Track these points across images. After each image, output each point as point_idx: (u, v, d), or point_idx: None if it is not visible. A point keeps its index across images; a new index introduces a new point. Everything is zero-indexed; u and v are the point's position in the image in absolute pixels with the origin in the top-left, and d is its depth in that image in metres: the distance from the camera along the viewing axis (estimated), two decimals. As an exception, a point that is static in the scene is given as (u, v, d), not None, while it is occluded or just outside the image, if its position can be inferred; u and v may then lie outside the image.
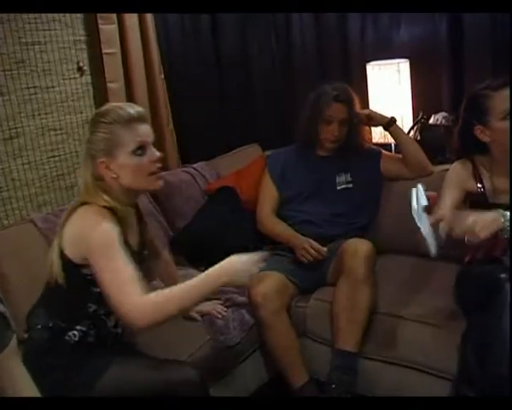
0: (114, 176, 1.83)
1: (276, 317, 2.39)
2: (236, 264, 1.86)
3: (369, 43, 3.26)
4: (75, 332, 1.84)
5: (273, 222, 2.78)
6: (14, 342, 1.39)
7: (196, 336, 2.24)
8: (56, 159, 2.84)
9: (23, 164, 2.70)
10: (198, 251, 2.70)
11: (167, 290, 1.73)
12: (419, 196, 1.92)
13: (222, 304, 2.38)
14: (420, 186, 1.94)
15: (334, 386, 2.32)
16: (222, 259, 2.66)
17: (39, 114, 2.76)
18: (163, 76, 3.24)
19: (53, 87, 2.81)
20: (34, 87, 2.74)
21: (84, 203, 1.80)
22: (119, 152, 1.81)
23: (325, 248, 2.55)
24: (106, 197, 1.80)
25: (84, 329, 1.84)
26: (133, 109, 1.84)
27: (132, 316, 1.66)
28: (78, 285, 1.81)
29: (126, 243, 1.83)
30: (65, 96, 2.86)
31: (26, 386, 1.41)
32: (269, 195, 2.84)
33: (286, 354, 2.42)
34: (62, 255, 1.79)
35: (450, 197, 2.18)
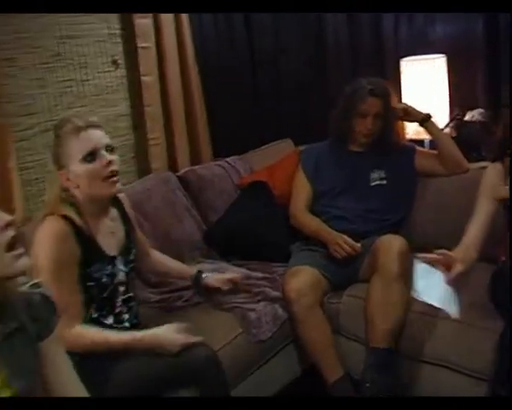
0: (75, 186, 1.87)
1: (310, 312, 2.38)
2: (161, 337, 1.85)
3: (403, 38, 3.23)
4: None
5: (306, 217, 2.77)
6: (58, 328, 1.41)
7: (229, 328, 2.25)
8: (90, 151, 2.86)
9: (59, 156, 2.72)
10: (230, 245, 2.71)
11: (101, 334, 1.83)
12: (425, 274, 1.89)
13: (253, 297, 2.39)
14: (420, 265, 1.91)
15: (368, 385, 2.29)
16: (253, 253, 2.73)
17: (75, 107, 2.78)
18: (197, 70, 3.24)
19: (88, 80, 2.83)
20: (70, 80, 2.76)
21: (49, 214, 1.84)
22: (71, 162, 1.86)
23: (359, 244, 2.53)
24: (66, 207, 1.85)
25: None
26: (81, 120, 1.88)
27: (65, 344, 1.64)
28: None
29: (98, 251, 1.88)
30: (100, 89, 2.88)
31: (67, 373, 1.41)
32: (302, 189, 2.83)
33: (320, 348, 2.40)
34: None
35: (479, 217, 2.14)
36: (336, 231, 2.61)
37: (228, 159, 3.18)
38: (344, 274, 2.57)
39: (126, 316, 1.99)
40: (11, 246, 1.13)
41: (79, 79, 2.79)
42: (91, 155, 1.84)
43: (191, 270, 2.34)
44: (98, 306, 1.90)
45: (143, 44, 2.95)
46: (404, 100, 3.05)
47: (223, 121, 3.44)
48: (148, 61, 2.96)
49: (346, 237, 2.54)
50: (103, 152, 1.87)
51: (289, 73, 3.70)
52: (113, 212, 2.03)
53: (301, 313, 2.36)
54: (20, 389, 1.28)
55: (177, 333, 1.84)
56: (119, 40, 2.97)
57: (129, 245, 2.04)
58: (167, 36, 3.04)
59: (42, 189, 2.66)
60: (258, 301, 2.37)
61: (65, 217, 1.82)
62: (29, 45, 2.60)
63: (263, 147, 3.42)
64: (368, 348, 2.35)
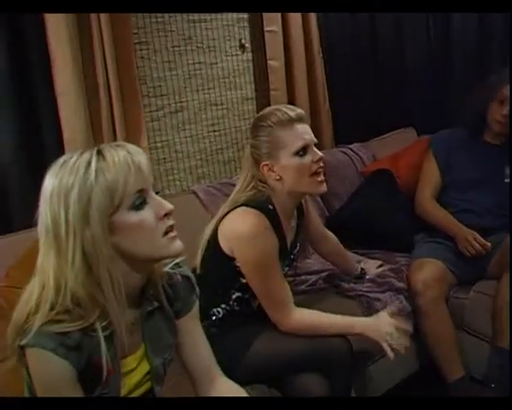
0: (278, 178, 1.84)
1: (435, 306, 2.29)
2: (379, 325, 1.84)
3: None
4: (219, 309, 1.89)
5: (434, 207, 2.66)
6: (196, 307, 1.44)
7: (352, 315, 2.18)
8: (216, 133, 2.91)
9: (186, 137, 2.79)
10: (352, 233, 2.66)
11: (316, 315, 1.85)
12: None
13: (379, 287, 2.34)
14: None
15: (493, 386, 2.20)
16: (375, 242, 2.67)
17: (203, 89, 2.83)
18: (321, 56, 3.20)
19: (216, 63, 2.87)
20: (199, 63, 2.81)
21: (242, 205, 1.82)
22: (281, 154, 1.82)
23: (489, 244, 2.41)
24: (260, 199, 1.83)
25: (228, 308, 1.89)
26: (292, 111, 1.84)
27: (284, 329, 1.82)
28: (226, 274, 1.85)
29: (284, 245, 1.88)
30: (227, 72, 2.91)
31: (204, 348, 1.45)
32: (431, 178, 2.71)
33: (442, 344, 2.31)
34: (215, 241, 1.83)
35: None
36: (463, 225, 2.50)
37: (351, 146, 3.14)
38: (471, 270, 2.46)
39: None
40: (167, 230, 1.18)
41: (208, 62, 2.84)
42: (304, 150, 1.83)
43: (355, 265, 2.41)
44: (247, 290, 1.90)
45: (270, 28, 2.94)
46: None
47: (344, 107, 3.38)
48: (274, 46, 2.96)
49: (476, 234, 2.43)
50: (314, 148, 1.87)
51: (412, 61, 3.61)
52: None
53: (427, 306, 2.28)
54: (157, 362, 1.32)
55: (388, 323, 1.82)
56: (246, 24, 2.98)
57: (296, 242, 2.04)
58: (294, 21, 3.01)
59: (169, 168, 2.75)
60: (384, 290, 2.31)
61: (260, 209, 1.80)
62: (163, 29, 2.67)
63: (385, 135, 3.36)
64: (493, 348, 2.26)
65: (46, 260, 1.12)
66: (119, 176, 1.11)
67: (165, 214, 1.17)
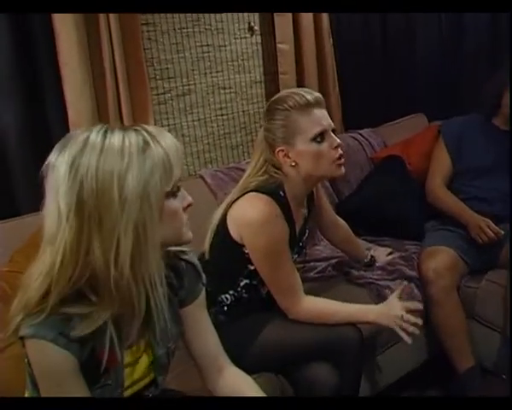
0: (293, 164, 1.79)
1: (447, 295, 2.26)
2: (390, 311, 1.80)
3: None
4: (227, 296, 1.85)
5: (445, 194, 2.62)
6: (202, 296, 1.40)
7: (362, 303, 2.15)
8: (224, 117, 2.86)
9: (193, 121, 2.75)
10: (362, 220, 2.62)
11: (326, 303, 1.83)
12: None
13: (389, 275, 2.30)
14: None
15: (504, 376, 2.18)
16: (385, 229, 2.63)
17: (210, 72, 2.78)
18: (331, 41, 3.14)
19: (225, 46, 2.81)
20: (207, 45, 2.76)
21: (252, 191, 1.77)
22: (297, 139, 1.77)
23: (502, 231, 2.37)
24: (271, 185, 1.78)
25: (236, 295, 1.85)
26: (310, 95, 1.78)
27: (294, 316, 1.79)
28: (234, 260, 1.82)
29: (293, 233, 1.84)
30: (235, 55, 2.86)
31: (211, 336, 1.42)
32: (442, 164, 2.68)
33: (453, 334, 2.28)
34: (224, 227, 1.79)
35: None
36: (475, 212, 2.47)
37: (361, 131, 3.10)
38: (483, 258, 2.43)
39: None
40: (186, 221, 1.21)
41: (216, 44, 2.78)
42: (321, 136, 1.78)
43: (365, 252, 2.38)
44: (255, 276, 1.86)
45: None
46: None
47: (353, 93, 3.33)
48: (284, 29, 2.89)
49: (489, 221, 2.39)
50: (332, 134, 1.81)
51: (422, 47, 3.56)
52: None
53: (438, 295, 2.25)
54: (161, 351, 1.30)
55: (399, 307, 1.78)
56: (255, 6, 2.92)
57: (304, 230, 2.00)
58: (303, 4, 2.96)
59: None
60: (394, 278, 2.27)
61: (271, 195, 1.76)
62: (170, 10, 2.62)
63: (396, 121, 3.32)
64: (504, 338, 2.23)
65: (70, 239, 1.05)
66: (175, 160, 1.11)
67: (188, 206, 1.18)
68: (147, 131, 1.10)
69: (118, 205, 1.04)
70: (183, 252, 1.34)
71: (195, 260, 1.39)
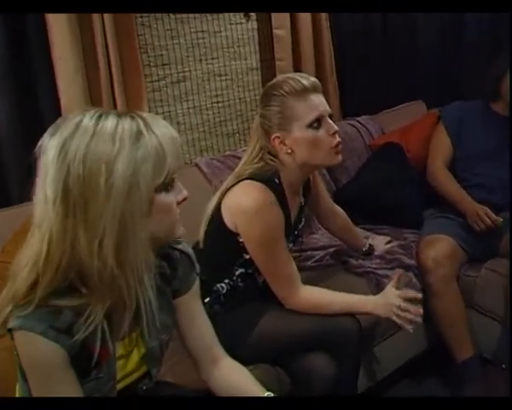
0: (289, 151, 1.76)
1: (446, 284, 2.23)
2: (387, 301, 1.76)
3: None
4: (223, 285, 1.82)
5: (447, 177, 2.58)
6: (196, 286, 1.38)
7: (360, 293, 2.12)
8: (220, 104, 2.82)
9: (188, 108, 2.71)
10: (360, 208, 2.60)
11: (324, 293, 1.80)
12: None
13: (387, 263, 2.28)
14: None
15: (504, 367, 2.17)
16: (384, 217, 2.60)
17: (206, 59, 2.74)
18: (329, 25, 3.09)
19: (220, 32, 2.77)
20: (202, 31, 2.71)
21: (247, 178, 1.73)
22: (293, 126, 1.73)
23: (501, 219, 2.34)
24: (266, 173, 1.74)
25: (231, 283, 1.82)
26: (306, 80, 1.74)
27: (291, 307, 1.76)
28: (229, 249, 1.79)
29: (289, 221, 1.80)
30: (231, 41, 2.81)
31: (205, 326, 1.40)
32: (443, 148, 2.64)
33: (452, 323, 2.26)
34: (219, 215, 1.76)
35: None
36: (474, 200, 2.44)
37: (359, 118, 3.06)
38: (482, 247, 2.40)
39: None
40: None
41: (211, 30, 2.73)
42: (318, 122, 1.74)
43: (363, 241, 2.35)
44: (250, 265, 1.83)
45: (276, -4, 2.84)
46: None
47: (352, 80, 3.29)
48: (280, 14, 2.84)
49: (487, 209, 2.36)
50: (329, 120, 1.77)
51: (423, 34, 3.52)
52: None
53: (437, 284, 2.22)
54: (153, 343, 1.27)
55: (396, 296, 1.75)
56: (251, -9, 2.88)
57: (300, 218, 1.97)
58: (300, -12, 2.91)
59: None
60: (393, 267, 2.24)
61: (266, 182, 1.72)
62: (164, -5, 2.57)
63: (394, 108, 3.28)
64: (504, 328, 2.21)
65: (56, 227, 1.02)
66: (170, 151, 1.06)
67: (183, 200, 1.14)
68: (142, 119, 1.06)
69: (104, 192, 1.00)
70: (176, 241, 1.31)
71: (189, 250, 1.36)
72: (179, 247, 1.32)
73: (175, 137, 1.10)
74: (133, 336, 1.24)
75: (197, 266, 1.37)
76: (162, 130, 1.07)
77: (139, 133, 1.04)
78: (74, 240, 1.02)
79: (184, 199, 1.14)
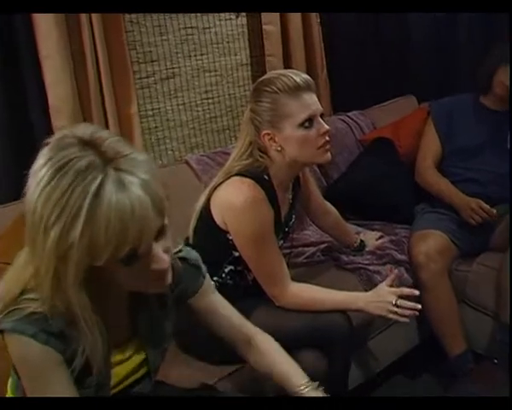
0: (279, 148, 1.74)
1: (438, 279, 2.23)
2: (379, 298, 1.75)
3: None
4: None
5: (435, 176, 2.58)
6: (206, 283, 1.37)
7: (352, 289, 2.11)
8: (210, 101, 2.80)
9: (178, 105, 2.69)
10: (351, 203, 2.60)
11: (314, 290, 1.79)
12: None
13: (379, 259, 2.27)
14: None
15: (496, 361, 2.16)
16: (375, 213, 2.59)
17: (195, 55, 2.71)
18: (319, 20, 3.08)
19: (209, 28, 2.74)
20: (191, 27, 2.69)
21: (236, 175, 1.72)
22: (284, 124, 1.72)
23: (495, 210, 2.33)
24: (257, 169, 1.74)
25: (220, 281, 1.81)
26: (299, 77, 1.72)
27: (281, 304, 1.76)
28: (218, 246, 1.77)
29: (279, 218, 1.79)
30: (220, 37, 2.79)
31: (227, 309, 1.41)
32: (432, 146, 2.64)
33: (445, 319, 2.26)
34: (208, 212, 1.75)
35: None
36: (466, 195, 2.42)
37: (350, 113, 3.05)
38: (474, 242, 2.40)
39: None
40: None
41: (201, 26, 2.71)
42: (310, 121, 1.72)
43: (355, 237, 2.34)
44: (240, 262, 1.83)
45: (266, -8, 2.82)
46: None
47: (342, 75, 3.27)
48: (270, 9, 2.84)
49: (480, 201, 2.35)
50: (321, 120, 1.76)
51: (414, 28, 3.52)
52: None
53: (429, 280, 2.22)
54: (154, 353, 1.27)
55: (389, 292, 1.74)
56: (240, -13, 2.86)
57: (290, 215, 1.96)
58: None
59: (160, 138, 2.65)
60: (384, 263, 2.24)
61: (255, 179, 1.71)
62: (152, -9, 2.55)
63: (385, 103, 3.27)
64: (497, 323, 2.21)
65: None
66: (137, 226, 0.94)
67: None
68: (117, 169, 0.94)
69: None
70: (177, 252, 1.28)
71: (191, 255, 1.34)
72: (180, 255, 1.29)
73: (137, 208, 0.94)
74: (132, 343, 1.23)
75: (203, 266, 1.36)
76: (135, 198, 0.94)
77: (100, 186, 0.92)
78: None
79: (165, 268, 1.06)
